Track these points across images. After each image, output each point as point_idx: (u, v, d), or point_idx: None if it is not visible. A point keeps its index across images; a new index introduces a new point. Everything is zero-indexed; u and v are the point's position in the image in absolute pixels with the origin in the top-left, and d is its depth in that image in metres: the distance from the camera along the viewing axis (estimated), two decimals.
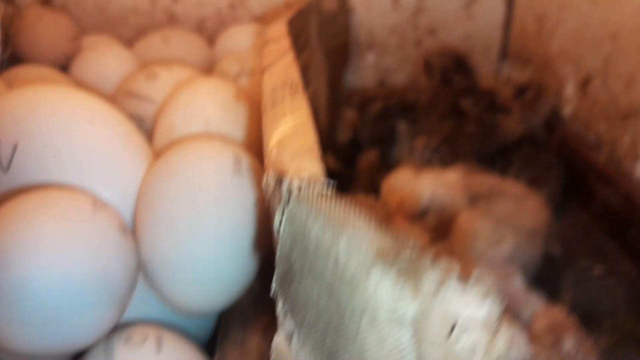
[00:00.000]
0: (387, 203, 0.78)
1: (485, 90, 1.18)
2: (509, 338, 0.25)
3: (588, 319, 0.81)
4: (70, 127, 0.62)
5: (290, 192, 0.29)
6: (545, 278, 0.90)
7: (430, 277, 0.23)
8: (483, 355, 0.24)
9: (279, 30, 0.71)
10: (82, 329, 0.49)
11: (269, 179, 0.33)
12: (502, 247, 0.78)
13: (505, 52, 1.49)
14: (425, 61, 1.18)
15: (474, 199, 0.84)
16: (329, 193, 0.29)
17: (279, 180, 0.31)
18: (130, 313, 0.59)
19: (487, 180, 0.89)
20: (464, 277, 0.24)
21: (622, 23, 0.99)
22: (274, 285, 0.31)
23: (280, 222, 0.29)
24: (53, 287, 0.46)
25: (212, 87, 0.78)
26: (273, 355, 0.32)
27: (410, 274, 0.23)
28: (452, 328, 0.24)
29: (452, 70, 1.14)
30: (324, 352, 0.27)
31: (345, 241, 0.25)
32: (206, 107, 0.76)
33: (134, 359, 0.52)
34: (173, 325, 0.60)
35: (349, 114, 1.31)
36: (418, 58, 1.22)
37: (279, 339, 0.31)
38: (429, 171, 0.82)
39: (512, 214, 0.82)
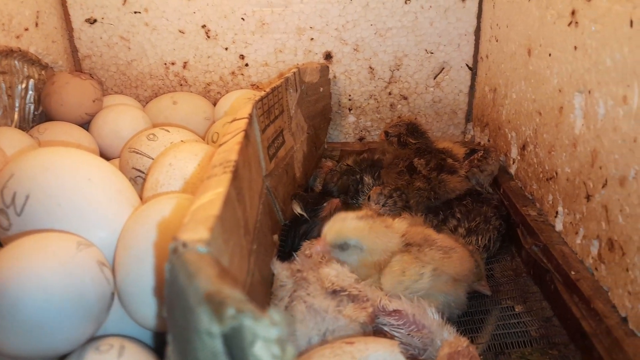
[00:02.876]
0: None
1: (439, 150, 1.28)
2: (294, 352, 0.37)
3: (500, 350, 0.92)
4: (72, 184, 0.76)
5: (175, 250, 0.42)
6: (474, 314, 1.01)
7: (228, 312, 0.35)
8: None
9: (244, 112, 0.82)
10: (59, 339, 0.61)
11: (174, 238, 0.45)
12: (421, 283, 0.89)
13: (470, 116, 1.60)
14: (384, 131, 1.30)
15: (408, 245, 0.95)
16: (196, 254, 0.41)
17: (174, 240, 0.44)
18: (107, 328, 0.72)
19: (422, 232, 0.99)
20: (258, 312, 0.36)
21: (545, 101, 1.10)
22: (164, 311, 0.43)
23: (167, 269, 0.42)
24: (37, 307, 0.59)
25: (192, 151, 0.92)
26: None
27: (218, 309, 0.36)
28: (252, 342, 0.36)
29: (405, 135, 1.25)
30: (181, 355, 0.39)
31: (193, 286, 0.38)
32: (185, 168, 0.89)
33: None
34: (136, 338, 0.72)
35: (327, 164, 1.43)
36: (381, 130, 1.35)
37: (168, 350, 0.43)
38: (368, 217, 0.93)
39: (438, 262, 0.93)
